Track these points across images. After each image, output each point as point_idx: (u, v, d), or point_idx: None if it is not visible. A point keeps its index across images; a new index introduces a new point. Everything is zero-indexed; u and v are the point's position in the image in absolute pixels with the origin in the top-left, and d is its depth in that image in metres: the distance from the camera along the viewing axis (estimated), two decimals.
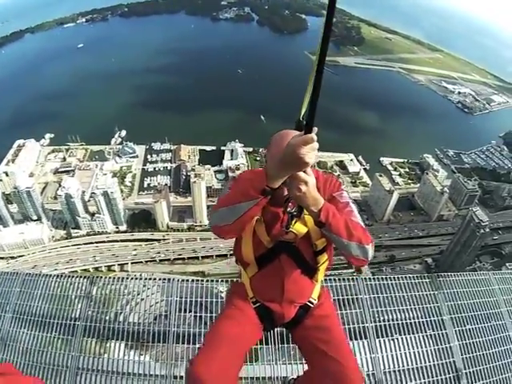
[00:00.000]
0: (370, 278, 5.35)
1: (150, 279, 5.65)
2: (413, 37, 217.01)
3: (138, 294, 5.42)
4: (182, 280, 5.49)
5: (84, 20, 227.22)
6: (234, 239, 3.23)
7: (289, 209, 2.83)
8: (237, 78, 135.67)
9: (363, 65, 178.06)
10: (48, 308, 5.26)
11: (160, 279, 5.56)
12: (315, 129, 2.12)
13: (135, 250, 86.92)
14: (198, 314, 5.16)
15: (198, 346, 4.49)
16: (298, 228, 2.88)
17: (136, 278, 5.70)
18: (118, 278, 5.76)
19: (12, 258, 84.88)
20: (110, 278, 5.75)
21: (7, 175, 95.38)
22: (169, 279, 5.52)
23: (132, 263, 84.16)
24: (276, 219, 2.96)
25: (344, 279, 5.28)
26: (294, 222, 2.83)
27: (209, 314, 4.92)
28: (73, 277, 5.68)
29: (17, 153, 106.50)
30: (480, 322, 5.20)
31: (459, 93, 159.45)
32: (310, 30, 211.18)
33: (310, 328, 3.23)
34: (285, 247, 3.00)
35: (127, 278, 5.71)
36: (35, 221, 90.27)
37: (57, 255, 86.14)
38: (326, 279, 5.17)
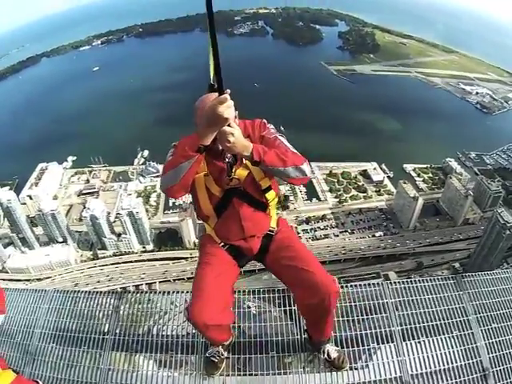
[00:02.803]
0: (394, 282, 5.34)
1: (178, 292, 5.61)
2: (427, 40, 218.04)
3: (165, 314, 5.44)
4: None
5: (99, 42, 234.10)
6: (192, 200, 3.68)
7: (226, 159, 3.33)
8: (254, 92, 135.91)
9: (380, 72, 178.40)
10: (77, 323, 5.27)
11: (188, 292, 5.45)
12: (228, 90, 2.65)
13: (163, 268, 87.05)
14: None
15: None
16: (239, 173, 3.38)
17: (164, 293, 5.70)
18: (146, 292, 6.05)
19: (39, 279, 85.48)
20: (138, 293, 5.83)
21: (31, 198, 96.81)
22: None
23: (160, 282, 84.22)
24: (220, 171, 3.39)
25: (369, 284, 5.28)
26: (233, 169, 3.34)
27: (236, 324, 4.86)
28: (101, 293, 5.71)
29: (40, 176, 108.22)
30: (506, 320, 5.02)
31: (477, 93, 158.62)
32: (324, 40, 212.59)
33: (276, 251, 3.76)
34: (234, 192, 3.47)
35: (156, 293, 5.75)
36: (61, 243, 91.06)
37: (84, 276, 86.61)
38: (351, 285, 5.24)
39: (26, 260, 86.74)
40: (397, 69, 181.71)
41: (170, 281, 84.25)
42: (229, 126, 2.78)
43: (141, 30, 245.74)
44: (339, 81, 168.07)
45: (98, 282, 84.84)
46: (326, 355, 4.33)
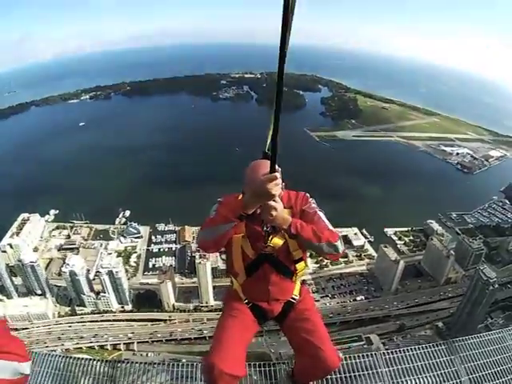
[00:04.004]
0: (387, 352, 5.59)
1: (179, 365, 5.66)
2: (408, 103, 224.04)
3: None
4: None
5: (88, 97, 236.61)
6: (226, 255, 4.03)
7: (265, 228, 3.60)
8: (234, 156, 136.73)
9: (361, 137, 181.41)
10: None
11: (188, 364, 5.66)
12: (279, 168, 2.92)
13: (141, 329, 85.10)
14: None
15: None
16: (275, 242, 3.69)
17: (162, 364, 5.79)
18: (141, 363, 5.78)
19: (15, 329, 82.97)
20: (134, 363, 5.79)
21: (12, 247, 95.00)
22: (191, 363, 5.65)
23: (138, 342, 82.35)
24: (257, 236, 3.70)
25: (363, 355, 5.54)
26: (270, 237, 3.64)
27: None
28: (94, 360, 5.70)
29: (21, 226, 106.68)
30: (497, 377, 5.39)
31: (457, 154, 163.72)
32: (307, 105, 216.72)
33: (295, 320, 4.09)
34: (266, 258, 3.80)
35: (153, 364, 5.76)
36: (39, 295, 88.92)
37: (61, 331, 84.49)
38: (345, 357, 5.40)
39: (3, 308, 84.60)
40: (378, 134, 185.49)
41: (147, 341, 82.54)
42: (273, 200, 3.07)
43: (128, 88, 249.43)
44: (322, 147, 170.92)
45: (82, 337, 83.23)
46: None
